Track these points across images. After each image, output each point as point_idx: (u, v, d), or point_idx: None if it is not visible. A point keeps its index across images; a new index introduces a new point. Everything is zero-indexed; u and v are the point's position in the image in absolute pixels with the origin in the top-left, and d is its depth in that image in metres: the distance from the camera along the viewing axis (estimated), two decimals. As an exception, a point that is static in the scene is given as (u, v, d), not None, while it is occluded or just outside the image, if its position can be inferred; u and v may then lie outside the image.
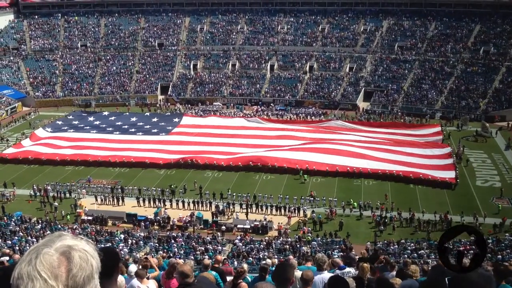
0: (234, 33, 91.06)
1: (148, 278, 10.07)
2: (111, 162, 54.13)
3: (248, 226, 41.50)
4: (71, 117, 70.99)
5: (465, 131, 63.65)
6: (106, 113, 72.40)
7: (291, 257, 22.67)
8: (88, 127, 66.59)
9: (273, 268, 13.23)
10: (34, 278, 1.67)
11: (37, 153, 56.19)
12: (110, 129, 65.97)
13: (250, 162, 52.53)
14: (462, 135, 61.52)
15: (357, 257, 17.00)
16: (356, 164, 51.00)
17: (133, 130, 65.53)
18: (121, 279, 8.60)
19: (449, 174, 49.10)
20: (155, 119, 69.02)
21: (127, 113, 72.26)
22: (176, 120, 68.43)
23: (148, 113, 72.61)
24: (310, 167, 50.93)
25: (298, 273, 10.05)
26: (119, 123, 68.12)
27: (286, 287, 4.98)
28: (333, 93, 77.09)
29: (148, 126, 66.56)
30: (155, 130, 65.27)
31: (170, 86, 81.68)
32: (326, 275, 9.24)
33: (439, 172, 49.43)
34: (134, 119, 69.56)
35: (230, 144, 58.80)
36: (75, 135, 63.29)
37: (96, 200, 46.64)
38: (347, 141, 57.95)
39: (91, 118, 70.18)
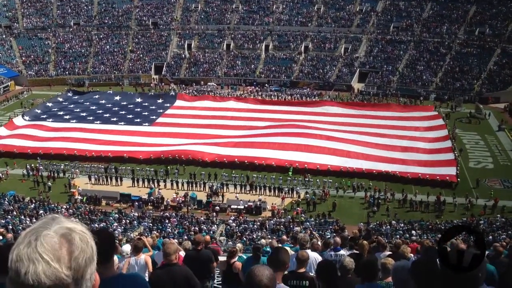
0: (229, 13, 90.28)
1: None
2: (87, 156, 50.13)
3: (242, 207, 41.68)
4: (50, 104, 67.28)
5: (459, 112, 63.77)
6: (81, 101, 69.04)
7: (284, 237, 22.81)
8: (68, 116, 62.77)
9: (270, 251, 13.31)
10: (35, 260, 1.64)
11: (11, 146, 52.68)
12: (91, 118, 62.01)
13: (236, 159, 48.80)
14: (456, 117, 61.66)
15: (349, 237, 17.13)
16: (349, 164, 47.53)
17: (114, 119, 61.65)
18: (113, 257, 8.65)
19: (450, 171, 46.04)
20: (138, 109, 65.39)
21: (110, 104, 67.70)
22: (160, 110, 64.71)
23: (138, 98, 69.66)
24: (301, 165, 47.45)
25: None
26: (100, 111, 64.55)
27: (282, 271, 4.96)
28: (328, 74, 76.88)
29: (130, 116, 63.00)
30: (138, 120, 61.48)
31: (164, 66, 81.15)
32: (309, 254, 9.27)
33: (439, 169, 46.40)
34: (116, 108, 65.76)
35: (216, 136, 55.38)
36: (53, 125, 59.53)
37: (90, 180, 46.66)
38: (340, 132, 55.15)
39: (71, 106, 66.64)
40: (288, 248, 9.98)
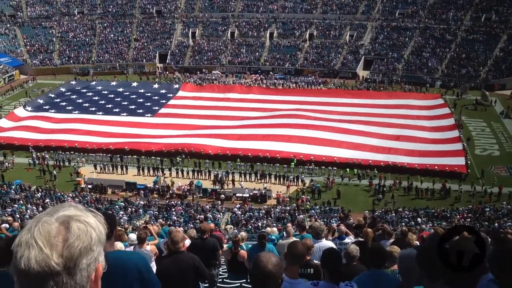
0: (233, 0, 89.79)
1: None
2: (88, 149, 49.49)
3: (247, 195, 41.76)
4: (53, 94, 66.73)
5: (464, 99, 63.39)
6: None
7: (289, 224, 22.84)
8: (70, 107, 62.09)
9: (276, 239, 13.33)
10: (30, 245, 1.65)
11: (12, 138, 52.02)
12: (93, 109, 61.57)
13: (240, 152, 47.81)
14: (462, 104, 61.33)
15: (354, 224, 17.14)
16: (356, 156, 46.53)
17: (117, 110, 61.21)
18: (120, 245, 8.71)
19: (459, 161, 45.27)
20: (141, 99, 64.81)
21: (112, 95, 67.05)
22: (163, 101, 64.21)
23: (136, 84, 70.00)
24: (307, 158, 46.39)
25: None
26: (103, 102, 64.21)
27: (299, 264, 4.92)
28: (333, 62, 76.52)
29: (133, 107, 62.45)
30: (141, 111, 60.83)
31: (169, 54, 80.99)
32: (324, 243, 9.29)
33: (447, 159, 45.41)
34: (119, 98, 65.32)
35: (219, 127, 54.70)
36: (56, 115, 58.93)
37: (96, 168, 46.83)
38: (345, 122, 54.21)
39: (74, 96, 66.19)
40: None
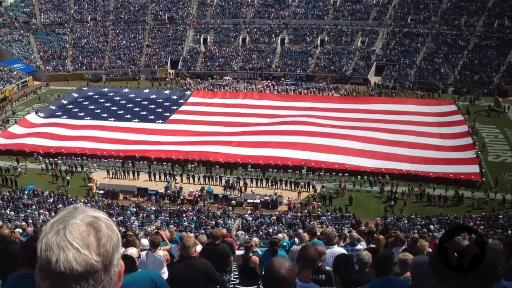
0: (245, 6, 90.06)
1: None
2: (99, 155, 49.56)
3: (258, 201, 41.71)
4: (65, 101, 66.90)
5: (477, 105, 62.94)
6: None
7: (301, 231, 22.79)
8: (82, 113, 62.39)
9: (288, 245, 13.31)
10: (65, 248, 1.68)
11: (24, 145, 51.91)
12: (105, 115, 61.81)
13: (250, 160, 47.18)
14: (475, 110, 60.86)
15: (366, 231, 17.05)
16: (369, 164, 46.04)
17: (128, 116, 61.35)
18: (134, 251, 8.74)
19: (473, 169, 44.66)
20: (152, 106, 64.85)
21: (124, 101, 67.36)
22: (174, 107, 64.33)
23: (147, 90, 70.81)
24: (318, 165, 45.97)
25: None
26: (115, 108, 64.35)
27: (311, 268, 4.92)
28: (344, 67, 76.42)
29: (144, 113, 62.41)
30: (152, 117, 61.07)
31: (180, 61, 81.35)
32: (336, 249, 9.28)
33: (462, 167, 44.83)
34: (130, 105, 65.37)
35: (230, 133, 54.62)
36: (68, 122, 59.19)
37: (108, 174, 47.07)
38: (358, 129, 53.64)
39: (86, 102, 66.52)
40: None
